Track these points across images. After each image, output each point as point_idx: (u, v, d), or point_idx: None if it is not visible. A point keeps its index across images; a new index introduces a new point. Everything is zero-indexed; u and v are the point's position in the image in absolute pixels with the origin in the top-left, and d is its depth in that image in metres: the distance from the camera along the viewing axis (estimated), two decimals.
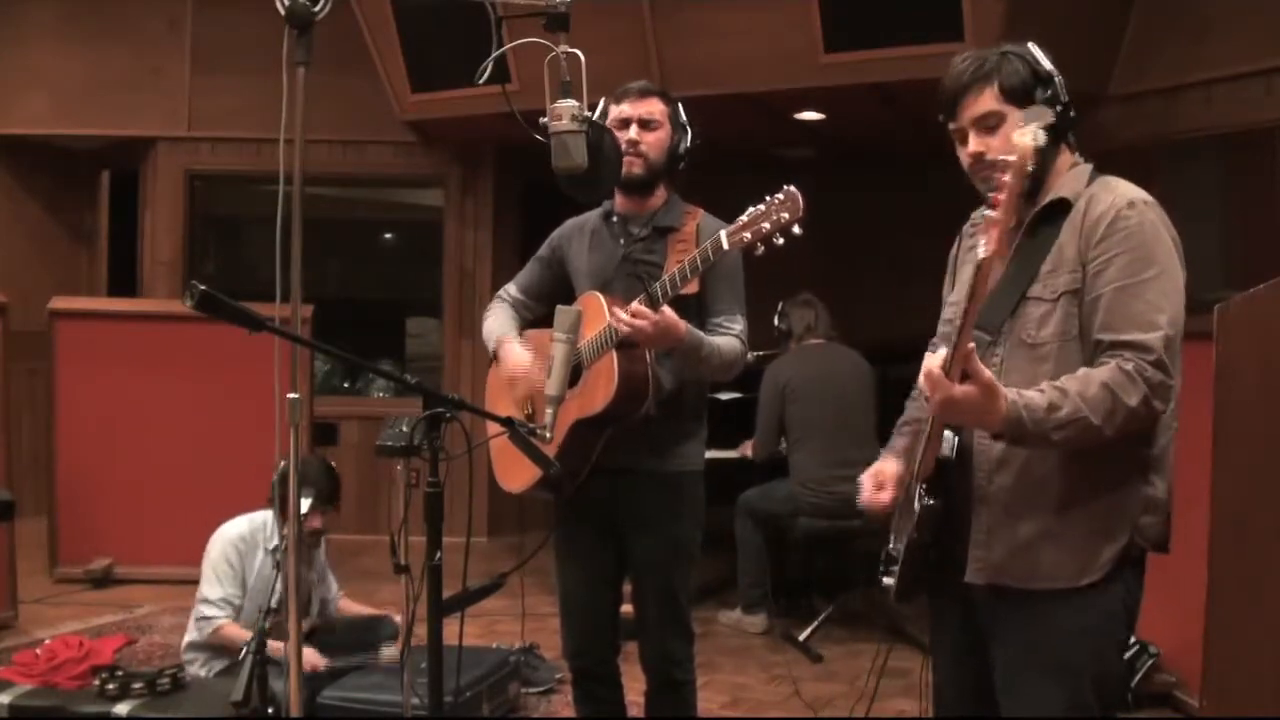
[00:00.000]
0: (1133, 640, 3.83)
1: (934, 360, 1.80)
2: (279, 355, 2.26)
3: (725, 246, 2.50)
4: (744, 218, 2.48)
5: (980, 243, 1.74)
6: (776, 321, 5.22)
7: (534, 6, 2.48)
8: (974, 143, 2.02)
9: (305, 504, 3.46)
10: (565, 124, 2.45)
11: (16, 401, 5.85)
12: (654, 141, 2.82)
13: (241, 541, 3.86)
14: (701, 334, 2.71)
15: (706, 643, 4.57)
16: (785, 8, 5.15)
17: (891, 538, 2.21)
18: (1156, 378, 1.86)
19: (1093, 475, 1.95)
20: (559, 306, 2.62)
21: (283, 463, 3.55)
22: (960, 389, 1.78)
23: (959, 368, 1.77)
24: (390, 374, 3.32)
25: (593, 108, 2.63)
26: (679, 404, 2.82)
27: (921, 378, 1.83)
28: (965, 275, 2.16)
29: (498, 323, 3.03)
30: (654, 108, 2.82)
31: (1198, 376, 2.63)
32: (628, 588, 2.95)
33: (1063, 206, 2.00)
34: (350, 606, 4.24)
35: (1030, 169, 1.79)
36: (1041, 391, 1.84)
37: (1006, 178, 1.71)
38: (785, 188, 2.45)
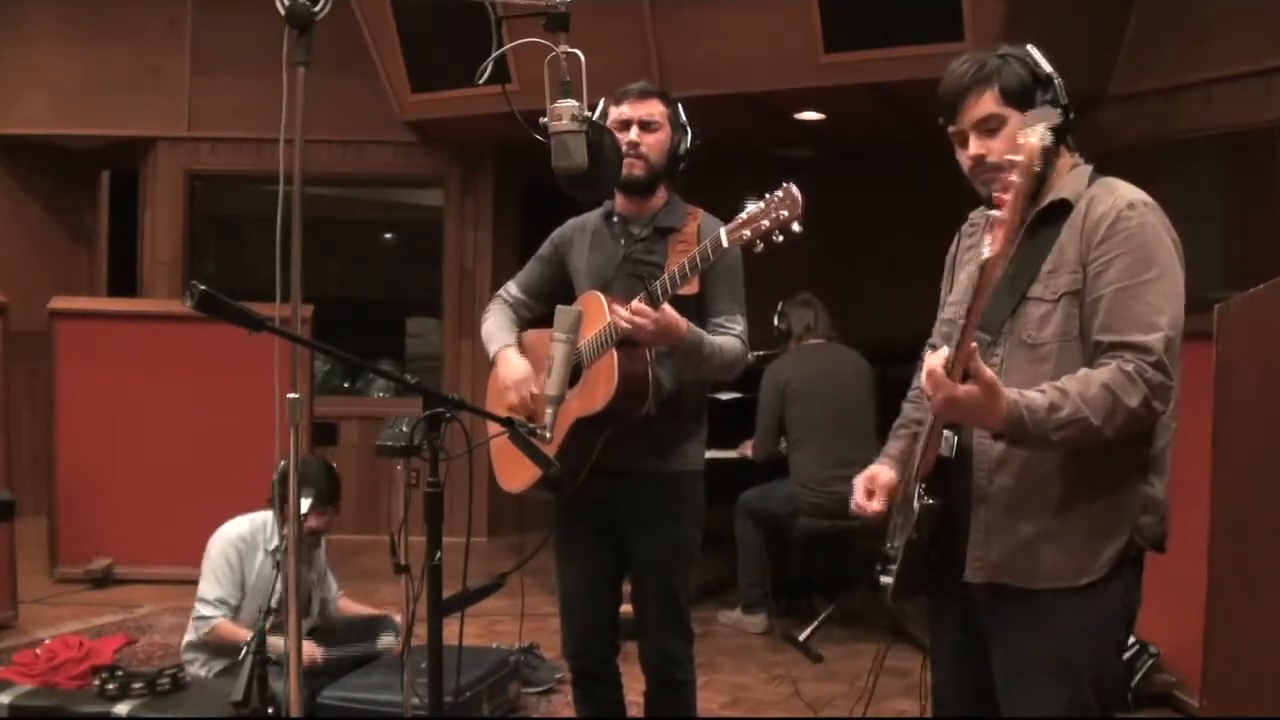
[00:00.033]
0: (1133, 640, 3.83)
1: (936, 359, 1.80)
2: (279, 355, 2.26)
3: (725, 244, 2.50)
4: (743, 215, 2.49)
5: (985, 242, 1.73)
6: (776, 321, 5.23)
7: (534, 6, 2.48)
8: (974, 145, 2.02)
9: (305, 504, 3.46)
10: (565, 124, 2.45)
11: (16, 401, 5.85)
12: (654, 143, 2.82)
13: (241, 542, 3.86)
14: (702, 332, 2.71)
15: (706, 643, 4.57)
16: (785, 8, 5.15)
17: (888, 536, 2.21)
18: (1156, 379, 1.86)
19: (1093, 475, 1.95)
20: (559, 306, 2.62)
21: (283, 462, 3.57)
22: (962, 388, 1.78)
23: (961, 367, 1.77)
24: (390, 374, 3.32)
25: (593, 108, 2.63)
26: (679, 404, 2.82)
27: (923, 377, 1.83)
28: (965, 275, 2.17)
29: (497, 327, 3.02)
30: (654, 109, 2.82)
31: (1198, 376, 2.63)
32: (628, 588, 2.95)
33: (1063, 207, 2.00)
34: (350, 606, 4.24)
35: (1037, 169, 1.79)
36: (1042, 392, 1.85)
37: (1014, 177, 1.71)
38: (784, 185, 2.45)
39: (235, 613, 3.80)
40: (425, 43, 6.03)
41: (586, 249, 2.94)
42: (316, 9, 2.22)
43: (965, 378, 1.79)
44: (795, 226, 2.43)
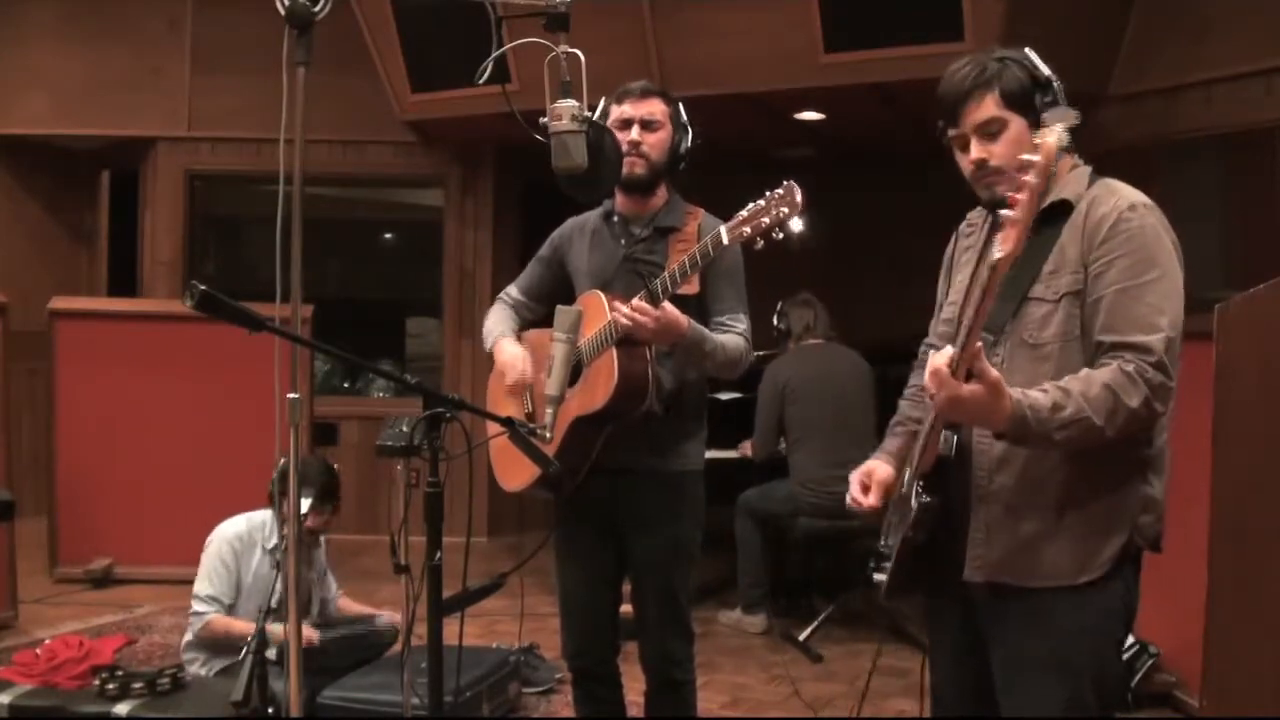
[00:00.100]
0: (1133, 640, 3.84)
1: (940, 358, 1.80)
2: (279, 355, 2.26)
3: (725, 241, 2.50)
4: (743, 213, 2.49)
5: (995, 241, 1.73)
6: (776, 321, 5.23)
7: (534, 6, 2.49)
8: (976, 149, 2.02)
9: (305, 504, 3.47)
10: (565, 124, 2.45)
11: (16, 401, 5.85)
12: (655, 142, 2.82)
13: (238, 540, 3.86)
14: (704, 330, 2.71)
15: (706, 643, 4.57)
16: (785, 8, 5.15)
17: (882, 534, 2.21)
18: (1157, 379, 1.87)
19: (1093, 475, 1.95)
20: (559, 306, 2.62)
21: (282, 461, 3.57)
22: (967, 388, 1.78)
23: (966, 366, 1.77)
24: (390, 374, 3.32)
25: (593, 108, 2.63)
26: (679, 404, 2.82)
27: (927, 375, 1.83)
28: (963, 276, 2.17)
29: (495, 323, 3.03)
30: (655, 108, 2.82)
31: (1198, 376, 2.63)
32: (628, 588, 2.95)
33: (1064, 208, 2.01)
34: (350, 606, 4.24)
35: (1054, 170, 1.78)
36: (1045, 391, 1.85)
37: (1028, 177, 1.70)
38: (784, 182, 2.45)
39: (229, 611, 3.80)
40: (425, 43, 6.03)
41: (586, 249, 2.94)
42: (316, 9, 2.22)
43: (969, 377, 1.79)
44: (796, 224, 2.43)
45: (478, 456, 2.40)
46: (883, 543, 2.20)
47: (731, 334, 2.78)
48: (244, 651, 3.17)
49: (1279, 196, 5.06)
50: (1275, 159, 5.03)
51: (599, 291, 2.77)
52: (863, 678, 3.77)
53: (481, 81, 2.56)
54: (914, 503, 2.02)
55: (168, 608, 5.11)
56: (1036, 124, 1.99)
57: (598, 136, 2.55)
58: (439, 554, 2.15)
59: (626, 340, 2.63)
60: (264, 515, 3.93)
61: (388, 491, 6.09)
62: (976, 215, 2.23)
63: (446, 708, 2.22)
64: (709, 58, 5.37)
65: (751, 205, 2.48)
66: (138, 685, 3.52)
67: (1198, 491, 3.04)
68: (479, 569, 2.74)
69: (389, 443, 2.56)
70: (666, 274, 2.61)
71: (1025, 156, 1.72)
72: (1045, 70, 2.01)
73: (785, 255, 2.50)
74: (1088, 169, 2.06)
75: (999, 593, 2.02)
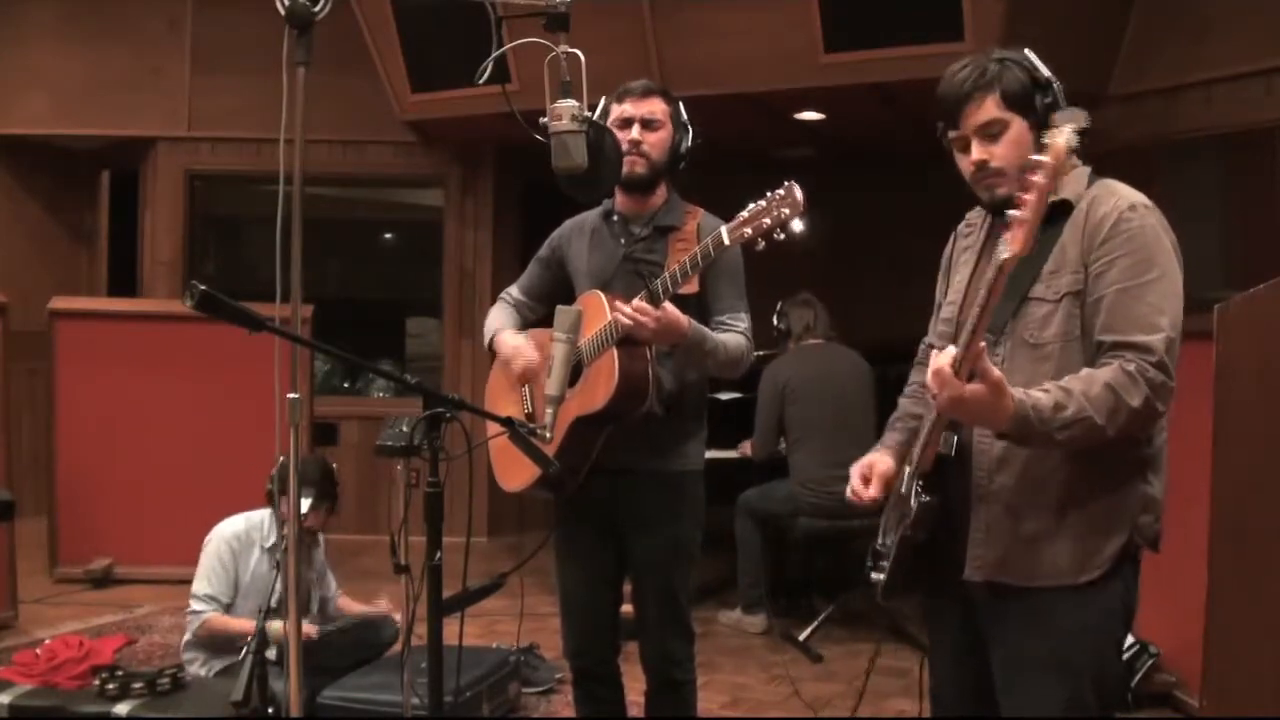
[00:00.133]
0: (1133, 640, 3.84)
1: (943, 358, 1.80)
2: (279, 355, 2.26)
3: (726, 242, 2.50)
4: (744, 214, 2.49)
5: (1003, 240, 1.72)
6: (775, 321, 5.22)
7: (534, 6, 2.49)
8: (977, 151, 2.02)
9: (305, 504, 3.47)
10: (565, 124, 2.45)
11: (16, 401, 5.86)
12: (656, 141, 2.82)
13: (236, 540, 3.86)
14: (705, 329, 2.71)
15: (706, 643, 4.57)
16: (785, 8, 5.15)
17: (880, 533, 2.21)
18: (1158, 379, 1.87)
19: (1093, 474, 1.95)
20: (559, 306, 2.62)
21: (280, 459, 3.57)
22: (970, 388, 1.78)
23: (969, 366, 1.77)
24: (390, 374, 3.32)
25: (593, 108, 2.63)
26: (679, 404, 2.82)
27: (929, 375, 1.83)
28: (963, 275, 2.17)
29: (495, 320, 3.03)
30: (656, 107, 2.82)
31: (1198, 376, 2.63)
32: (628, 588, 2.95)
33: (1064, 208, 2.01)
34: (350, 605, 4.24)
35: (1063, 172, 1.77)
36: (1046, 391, 1.85)
37: (1037, 177, 1.69)
38: (785, 183, 2.45)
39: (227, 610, 3.80)
40: (425, 43, 6.03)
41: (586, 248, 2.94)
42: (316, 9, 2.22)
43: (970, 377, 1.79)
44: (797, 224, 2.43)
45: (478, 456, 2.40)
46: (880, 541, 2.20)
47: (733, 333, 2.78)
48: (244, 651, 3.17)
49: (1279, 196, 5.06)
50: (1275, 159, 5.03)
51: (599, 291, 2.77)
52: (862, 678, 3.77)
53: (481, 81, 2.56)
54: (914, 502, 2.02)
55: (168, 608, 5.11)
56: (1037, 125, 2.00)
57: (598, 136, 2.55)
58: (439, 554, 2.15)
59: (627, 340, 2.63)
60: (262, 514, 3.94)
61: (388, 491, 6.09)
62: (975, 215, 2.24)
63: (446, 708, 2.22)
64: (709, 58, 5.37)
65: (752, 206, 2.48)
66: (138, 685, 3.52)
67: (1198, 491, 3.04)
68: (479, 569, 2.74)
69: (389, 443, 2.56)
70: (667, 274, 2.61)
71: (1035, 157, 1.72)
72: (1045, 71, 2.02)
73: (785, 255, 2.50)
74: (1087, 169, 2.06)
75: (999, 592, 2.02)
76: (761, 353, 5.08)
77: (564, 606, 2.98)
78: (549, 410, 2.52)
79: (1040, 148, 1.75)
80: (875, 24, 5.00)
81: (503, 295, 3.13)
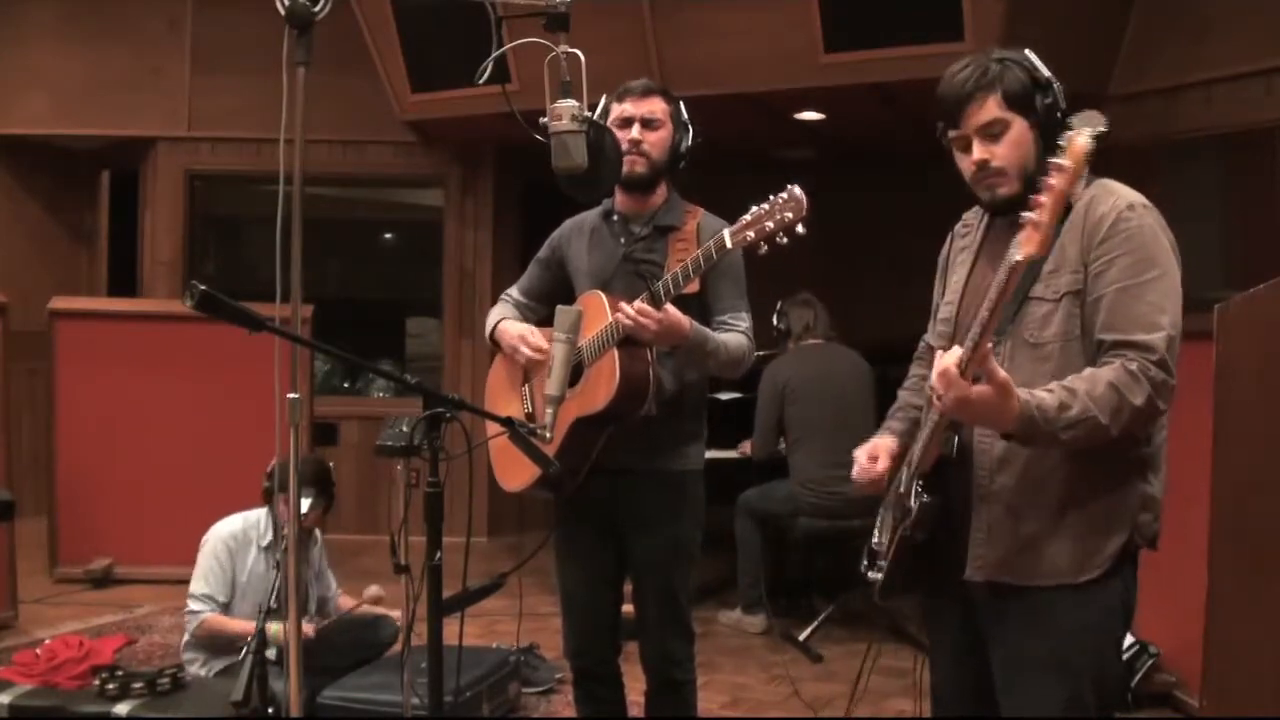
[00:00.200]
0: (1132, 640, 3.84)
1: (949, 359, 1.80)
2: (279, 355, 2.26)
3: (729, 245, 2.50)
4: (747, 217, 2.48)
5: (1016, 242, 1.71)
6: (775, 321, 5.22)
7: (534, 6, 2.48)
8: (978, 150, 2.02)
9: (306, 504, 3.47)
10: (565, 124, 2.45)
11: (16, 401, 5.86)
12: (656, 140, 2.82)
13: (233, 539, 3.86)
14: (706, 330, 2.71)
15: (706, 643, 4.57)
16: (785, 8, 5.15)
17: (875, 532, 2.21)
18: (1159, 377, 1.87)
19: (1093, 474, 1.96)
20: (559, 306, 2.62)
21: (276, 457, 3.57)
22: (976, 389, 1.78)
23: (976, 367, 1.77)
24: (390, 374, 3.32)
25: (593, 107, 2.63)
26: (680, 404, 2.82)
27: (934, 376, 1.82)
28: (960, 275, 2.17)
29: (497, 315, 3.03)
30: (656, 106, 2.82)
31: (1198, 376, 2.63)
32: (628, 588, 2.95)
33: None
34: (350, 603, 4.24)
35: (1082, 174, 1.76)
36: (1050, 391, 1.85)
37: (1054, 180, 1.68)
38: (789, 187, 2.45)
39: (225, 610, 3.80)
40: (425, 43, 6.03)
41: (585, 248, 2.94)
42: (316, 9, 2.21)
43: (976, 378, 1.78)
44: (799, 228, 2.43)
45: (478, 456, 2.40)
46: (875, 540, 2.20)
47: (734, 333, 2.78)
48: (244, 651, 3.17)
49: (1279, 196, 5.06)
50: (1275, 159, 5.04)
51: (599, 292, 2.77)
52: (862, 678, 3.77)
53: (481, 81, 2.56)
54: (914, 502, 2.02)
55: (168, 608, 5.11)
56: (1038, 125, 2.00)
57: (598, 136, 2.55)
58: (439, 554, 2.15)
59: (628, 341, 2.63)
60: (259, 514, 3.94)
61: (388, 491, 6.08)
62: (972, 216, 2.24)
63: (446, 708, 2.22)
64: (709, 58, 5.37)
65: (755, 209, 2.48)
66: (138, 685, 3.52)
67: (1198, 491, 3.04)
68: (479, 569, 2.74)
69: (389, 443, 2.56)
70: (669, 276, 2.61)
71: (1053, 159, 1.71)
72: (1045, 71, 2.02)
73: (785, 255, 2.49)
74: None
75: (999, 592, 2.02)
76: (761, 353, 5.08)
77: (564, 606, 2.99)
78: (549, 410, 2.52)
79: (1057, 150, 1.74)
80: (875, 24, 5.00)
81: (503, 296, 3.13)
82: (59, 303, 5.81)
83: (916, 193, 5.48)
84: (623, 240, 2.88)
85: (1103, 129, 1.85)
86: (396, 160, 7.14)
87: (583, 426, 2.72)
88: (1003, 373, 1.79)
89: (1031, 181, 1.99)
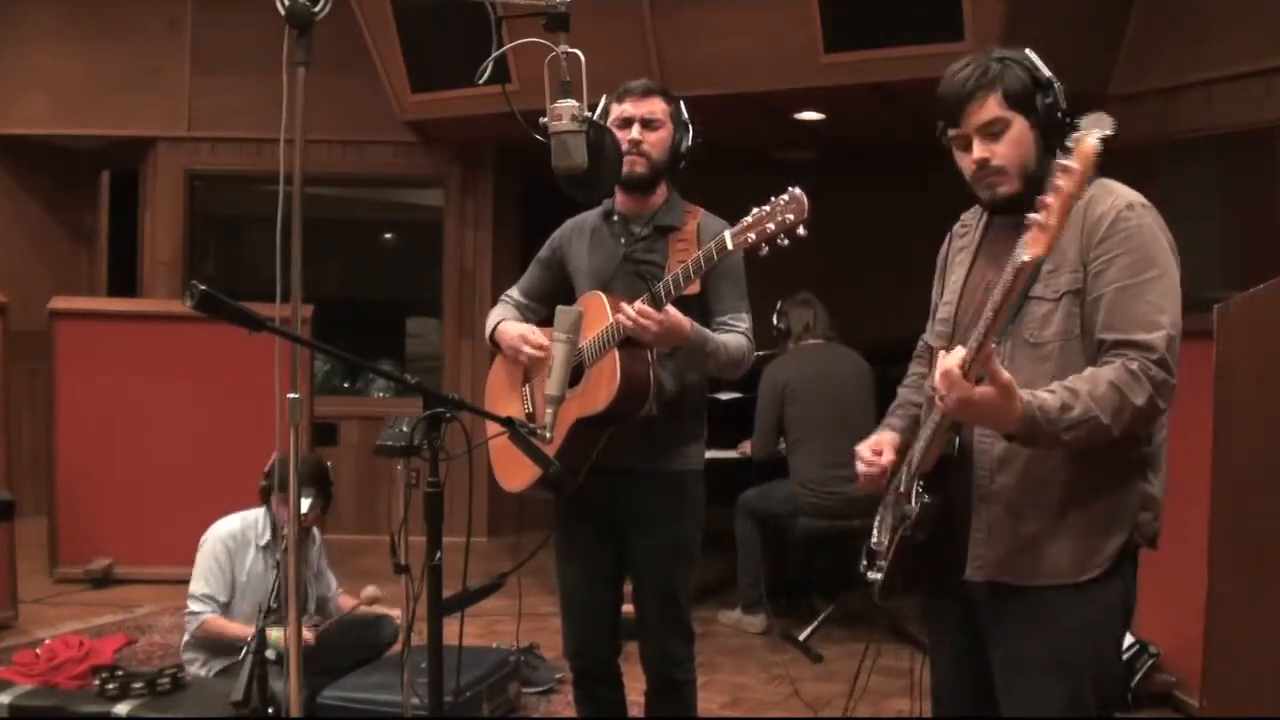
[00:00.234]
0: (1132, 640, 3.84)
1: (952, 360, 1.80)
2: (279, 355, 2.26)
3: (729, 247, 2.50)
4: (748, 218, 2.48)
5: (1022, 243, 1.70)
6: (775, 321, 5.22)
7: (534, 6, 2.48)
8: (979, 149, 2.02)
9: (306, 504, 3.47)
10: (565, 124, 2.45)
11: (16, 401, 5.86)
12: (656, 141, 2.82)
13: (231, 539, 3.86)
14: (706, 331, 2.71)
15: (706, 643, 4.57)
16: (785, 8, 5.15)
17: (874, 531, 2.21)
18: (1160, 376, 1.87)
19: (1094, 473, 1.96)
20: (559, 306, 2.62)
21: (274, 455, 3.57)
22: (979, 390, 1.78)
23: (979, 368, 1.77)
24: (390, 374, 3.32)
25: (593, 107, 2.63)
26: (680, 404, 2.82)
27: (937, 377, 1.82)
28: (959, 275, 2.17)
29: (497, 317, 3.03)
30: (656, 107, 2.82)
31: (1198, 376, 2.63)
32: (628, 588, 2.95)
33: None
34: (350, 603, 4.24)
35: (1091, 176, 1.75)
36: (1052, 392, 1.85)
37: (1062, 182, 1.68)
38: (790, 189, 2.45)
39: (225, 609, 3.80)
40: (425, 43, 6.03)
41: (586, 248, 2.94)
42: (316, 9, 2.22)
43: (979, 379, 1.78)
44: (800, 230, 2.43)
45: (478, 456, 2.40)
46: (875, 540, 2.20)
47: (734, 333, 2.78)
48: (244, 651, 3.17)
49: (1279, 196, 5.06)
50: (1275, 159, 5.04)
51: (600, 293, 2.77)
52: (862, 677, 3.77)
53: (481, 81, 2.56)
54: (915, 503, 2.02)
55: (168, 608, 5.11)
56: (1038, 124, 2.00)
57: (598, 136, 2.55)
58: (439, 554, 2.15)
59: (628, 342, 2.63)
60: (256, 514, 3.94)
61: (388, 491, 6.09)
62: (971, 216, 2.24)
63: (446, 708, 2.22)
64: (709, 58, 5.37)
65: (756, 211, 2.48)
66: (138, 685, 3.52)
67: (1197, 491, 3.04)
68: (479, 569, 2.74)
69: (389, 443, 2.56)
70: (670, 278, 2.61)
71: (1062, 161, 1.70)
72: (1046, 71, 2.02)
73: (785, 255, 2.49)
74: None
75: (1000, 592, 2.02)
76: (761, 353, 5.08)
77: (564, 606, 2.98)
78: (549, 410, 2.52)
79: (1064, 151, 1.73)
80: (875, 24, 5.00)
81: (503, 297, 3.13)
82: (59, 303, 5.81)
83: (916, 193, 5.48)
84: (623, 240, 2.88)
85: (1111, 131, 1.85)
86: (396, 160, 7.14)
87: (583, 427, 2.72)
88: (1005, 374, 1.79)
89: (1031, 180, 2.00)
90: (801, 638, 4.84)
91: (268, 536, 3.87)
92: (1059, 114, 2.00)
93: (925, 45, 4.82)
